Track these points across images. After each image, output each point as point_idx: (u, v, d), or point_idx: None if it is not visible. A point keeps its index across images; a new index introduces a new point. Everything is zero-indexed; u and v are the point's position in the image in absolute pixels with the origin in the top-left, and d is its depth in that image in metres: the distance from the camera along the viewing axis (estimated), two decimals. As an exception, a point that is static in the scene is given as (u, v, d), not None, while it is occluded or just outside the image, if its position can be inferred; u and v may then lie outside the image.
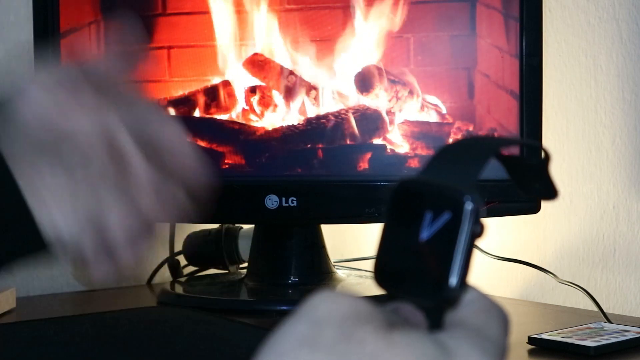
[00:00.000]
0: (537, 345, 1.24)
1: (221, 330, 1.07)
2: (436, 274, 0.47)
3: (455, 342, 0.45)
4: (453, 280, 0.47)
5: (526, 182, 0.56)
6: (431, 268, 0.48)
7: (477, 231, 0.48)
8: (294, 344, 0.43)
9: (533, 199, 0.55)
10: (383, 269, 0.49)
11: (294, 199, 1.43)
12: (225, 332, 1.07)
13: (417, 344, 0.44)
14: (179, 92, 1.56)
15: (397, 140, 1.49)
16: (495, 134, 1.46)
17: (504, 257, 1.57)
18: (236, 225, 1.62)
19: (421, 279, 0.48)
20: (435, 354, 0.44)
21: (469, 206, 0.47)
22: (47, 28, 1.48)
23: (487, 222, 0.48)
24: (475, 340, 0.45)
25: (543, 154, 0.55)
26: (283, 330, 0.44)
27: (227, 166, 1.51)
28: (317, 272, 1.52)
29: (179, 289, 1.56)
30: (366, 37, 1.50)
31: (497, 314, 0.47)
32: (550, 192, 0.56)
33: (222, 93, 1.56)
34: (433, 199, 0.48)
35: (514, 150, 0.57)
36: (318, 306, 0.45)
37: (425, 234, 0.48)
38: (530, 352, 1.23)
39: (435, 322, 0.48)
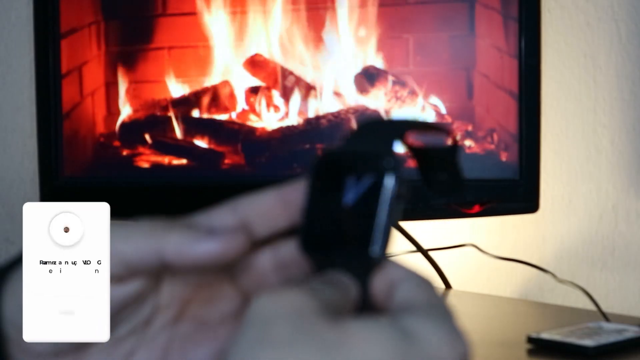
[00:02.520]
0: (536, 344, 1.24)
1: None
2: (361, 236, 0.48)
3: (416, 323, 0.45)
4: (377, 242, 0.48)
5: (431, 173, 0.55)
6: (356, 231, 0.49)
7: (401, 192, 0.49)
8: (251, 348, 0.44)
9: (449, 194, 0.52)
10: (308, 237, 0.50)
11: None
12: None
13: (374, 330, 0.44)
14: (179, 92, 1.56)
15: (396, 140, 1.49)
16: (494, 134, 1.46)
17: (504, 257, 1.57)
18: (236, 225, 1.62)
19: (346, 242, 0.49)
20: (397, 338, 0.44)
21: (389, 167, 0.48)
22: (47, 28, 1.49)
23: (410, 184, 0.49)
24: (432, 316, 0.46)
25: (451, 141, 0.54)
26: (236, 341, 0.44)
27: (227, 166, 1.51)
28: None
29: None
30: (366, 38, 1.50)
31: (430, 283, 0.48)
32: (456, 185, 0.55)
33: (222, 93, 1.56)
34: (355, 165, 0.49)
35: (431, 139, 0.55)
36: (263, 307, 0.45)
37: (349, 198, 0.49)
38: (529, 352, 1.23)
39: (363, 283, 0.48)
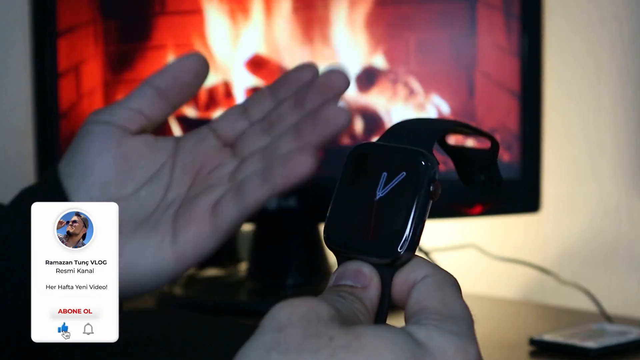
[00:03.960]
0: (538, 346, 1.23)
1: (221, 331, 1.07)
2: (389, 232, 0.48)
3: (427, 334, 0.45)
4: (405, 239, 0.48)
5: (470, 174, 0.55)
6: (384, 226, 0.48)
7: (433, 191, 0.49)
8: (262, 352, 0.44)
9: (492, 193, 0.53)
10: (335, 229, 0.50)
11: (294, 199, 1.43)
12: (225, 333, 1.06)
13: (385, 340, 0.44)
14: (178, 91, 1.56)
15: (397, 140, 1.48)
16: (496, 134, 1.45)
17: (505, 258, 1.57)
18: (235, 225, 1.62)
19: (374, 237, 0.49)
20: (407, 349, 0.44)
21: (423, 165, 0.48)
22: (44, 27, 1.48)
23: (441, 184, 0.49)
24: (445, 327, 0.45)
25: (491, 143, 0.55)
26: (248, 345, 0.45)
27: (226, 166, 1.50)
28: (317, 272, 1.51)
29: (177, 291, 1.56)
30: (366, 36, 1.50)
31: (450, 283, 0.48)
32: (496, 185, 0.55)
33: (221, 93, 1.55)
34: (389, 160, 0.49)
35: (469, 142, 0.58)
36: (277, 314, 0.45)
37: (380, 193, 0.49)
38: (532, 354, 1.23)
39: (386, 277, 0.48)
